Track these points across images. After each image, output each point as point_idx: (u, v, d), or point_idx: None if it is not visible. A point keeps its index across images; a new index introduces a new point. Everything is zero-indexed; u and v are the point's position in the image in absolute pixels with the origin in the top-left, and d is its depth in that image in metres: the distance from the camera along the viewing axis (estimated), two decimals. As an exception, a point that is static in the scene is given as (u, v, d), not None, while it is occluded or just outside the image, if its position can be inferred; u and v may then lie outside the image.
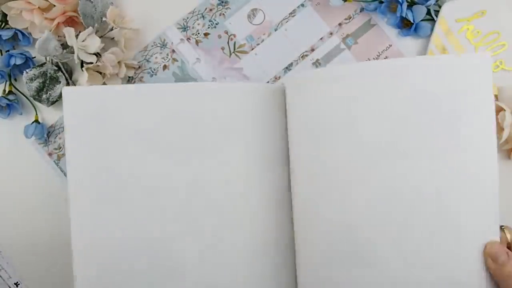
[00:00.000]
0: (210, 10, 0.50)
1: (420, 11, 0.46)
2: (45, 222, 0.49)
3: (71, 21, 0.48)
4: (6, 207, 0.49)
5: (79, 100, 0.41)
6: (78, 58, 0.45)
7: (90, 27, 0.46)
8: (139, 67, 0.50)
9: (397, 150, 0.36)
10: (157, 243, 0.40)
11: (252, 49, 0.50)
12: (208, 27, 0.50)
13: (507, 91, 0.46)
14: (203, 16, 0.50)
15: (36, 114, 0.49)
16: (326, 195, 0.38)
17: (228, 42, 0.50)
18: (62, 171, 0.49)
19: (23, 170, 0.49)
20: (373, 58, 0.49)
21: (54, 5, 0.45)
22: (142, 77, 0.50)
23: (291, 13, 0.50)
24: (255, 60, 0.50)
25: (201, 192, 0.41)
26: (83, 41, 0.45)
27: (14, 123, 0.49)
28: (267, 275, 0.42)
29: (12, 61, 0.47)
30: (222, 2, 0.50)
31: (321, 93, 0.39)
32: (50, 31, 0.46)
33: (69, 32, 0.45)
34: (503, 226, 0.37)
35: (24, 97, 0.50)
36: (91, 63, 0.46)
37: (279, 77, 0.50)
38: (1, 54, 0.49)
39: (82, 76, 0.46)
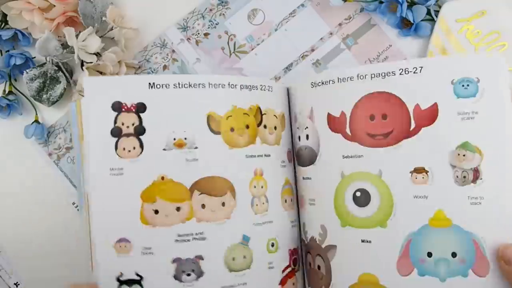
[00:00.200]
0: (210, 10, 0.50)
1: (420, 11, 0.46)
2: (45, 222, 0.49)
3: (71, 21, 0.48)
4: (6, 207, 0.49)
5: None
6: (78, 58, 0.45)
7: (90, 27, 0.46)
8: (139, 67, 0.50)
9: None
10: None
11: (252, 49, 0.50)
12: (208, 27, 0.50)
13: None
14: (203, 16, 0.50)
15: (36, 114, 0.49)
16: None
17: (228, 42, 0.50)
18: (62, 171, 0.49)
19: (23, 170, 0.49)
20: (373, 58, 0.49)
21: (54, 5, 0.45)
22: (142, 77, 0.50)
23: (291, 13, 0.50)
24: (255, 60, 0.50)
25: None
26: (83, 41, 0.45)
27: (14, 123, 0.49)
28: None
29: (12, 61, 0.47)
30: (222, 2, 0.50)
31: None
32: (50, 31, 0.46)
33: (69, 32, 0.45)
34: None
35: (24, 97, 0.50)
36: (91, 63, 0.46)
37: (279, 77, 0.50)
38: (1, 54, 0.49)
39: (83, 76, 0.46)
